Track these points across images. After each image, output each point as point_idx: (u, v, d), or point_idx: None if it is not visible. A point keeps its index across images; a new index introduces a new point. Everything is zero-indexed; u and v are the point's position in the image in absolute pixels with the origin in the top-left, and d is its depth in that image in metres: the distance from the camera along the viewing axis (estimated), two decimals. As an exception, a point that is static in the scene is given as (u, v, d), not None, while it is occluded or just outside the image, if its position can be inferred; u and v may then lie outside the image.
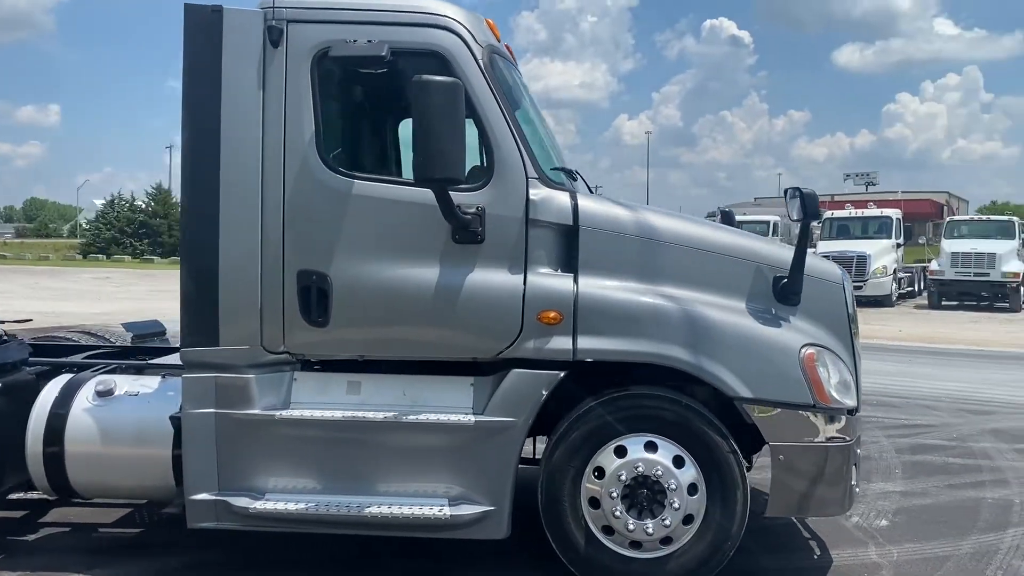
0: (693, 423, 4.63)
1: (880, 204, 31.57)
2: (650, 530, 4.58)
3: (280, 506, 4.65)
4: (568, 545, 4.69)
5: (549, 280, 4.67)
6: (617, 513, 4.60)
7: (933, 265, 27.47)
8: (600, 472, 4.64)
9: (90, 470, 4.91)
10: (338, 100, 4.98)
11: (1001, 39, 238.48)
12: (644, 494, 4.60)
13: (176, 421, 4.80)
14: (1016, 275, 25.75)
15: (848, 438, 4.75)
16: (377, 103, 5.42)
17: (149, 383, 5.11)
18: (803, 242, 4.82)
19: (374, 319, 4.74)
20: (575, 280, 4.67)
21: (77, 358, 5.86)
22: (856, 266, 24.99)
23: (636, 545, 4.65)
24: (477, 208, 4.61)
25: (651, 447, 4.63)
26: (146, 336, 6.87)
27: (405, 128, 5.23)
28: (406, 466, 4.74)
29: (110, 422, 4.92)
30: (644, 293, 4.69)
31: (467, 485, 4.69)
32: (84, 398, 4.99)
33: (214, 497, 4.73)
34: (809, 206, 4.68)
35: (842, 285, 5.05)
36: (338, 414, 4.71)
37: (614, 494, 4.60)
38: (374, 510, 4.63)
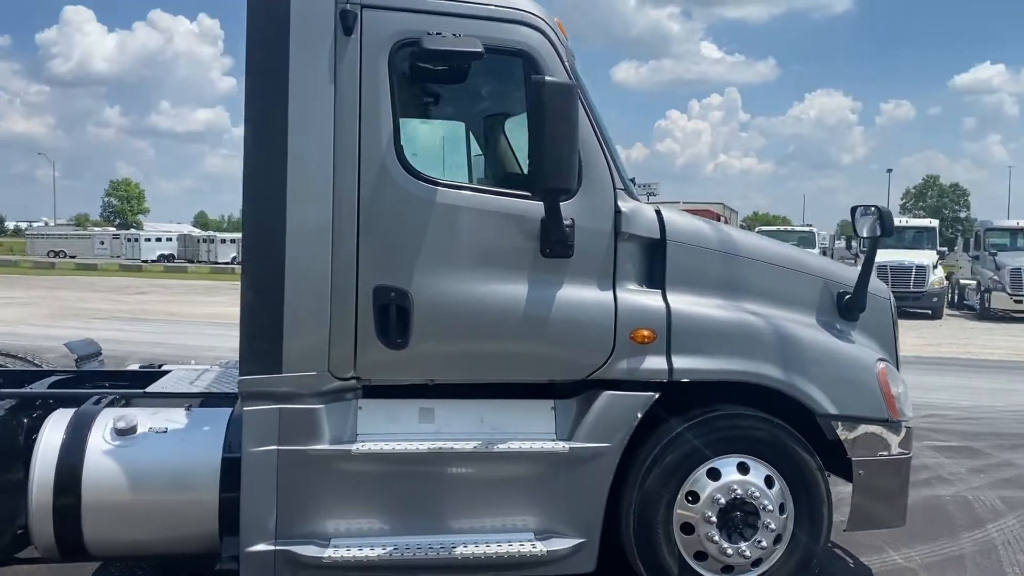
0: (784, 442, 4.57)
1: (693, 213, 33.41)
2: (747, 553, 4.47)
3: (357, 553, 4.13)
4: (661, 575, 4.48)
5: (639, 297, 4.46)
6: (714, 538, 4.45)
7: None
8: (694, 497, 4.47)
9: (113, 523, 4.12)
10: (417, 97, 4.51)
11: (756, 65, 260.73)
12: (738, 517, 4.49)
13: (230, 461, 4.15)
14: (818, 280, 28.08)
15: (909, 451, 4.87)
16: (458, 103, 4.96)
17: (175, 417, 4.37)
18: (871, 259, 4.90)
19: (458, 339, 4.32)
20: (663, 296, 4.49)
21: (39, 388, 4.93)
22: None
23: (728, 569, 4.52)
24: (570, 220, 4.31)
25: (743, 468, 4.52)
26: (88, 357, 5.95)
27: (486, 130, 4.85)
28: (489, 499, 4.37)
29: (139, 465, 4.15)
30: (731, 309, 4.58)
31: (554, 516, 4.38)
32: (100, 438, 4.18)
33: (273, 548, 4.13)
34: (887, 224, 4.76)
35: (890, 300, 5.19)
36: (423, 446, 4.25)
37: (711, 519, 4.44)
38: (463, 550, 4.21)
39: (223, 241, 65.85)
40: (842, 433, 4.65)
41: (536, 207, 4.29)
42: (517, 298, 4.31)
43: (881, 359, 4.82)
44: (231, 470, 4.16)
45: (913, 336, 20.99)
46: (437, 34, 4.14)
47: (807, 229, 32.12)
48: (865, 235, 4.88)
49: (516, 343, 4.36)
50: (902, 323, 5.37)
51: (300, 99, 4.08)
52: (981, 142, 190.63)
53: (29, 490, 4.05)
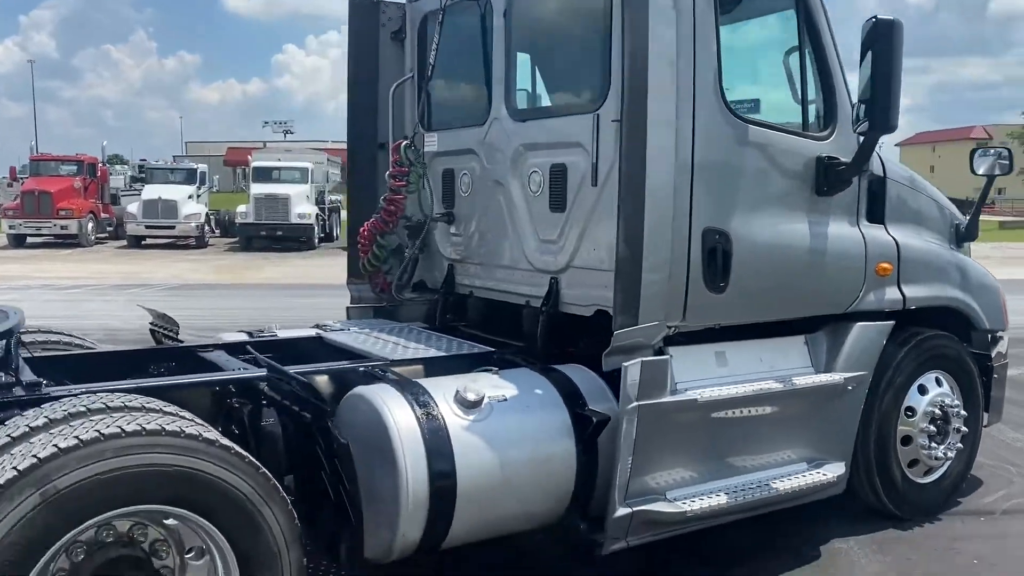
0: (964, 357, 5.20)
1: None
2: (948, 455, 5.06)
3: (708, 502, 4.06)
4: (892, 486, 4.91)
5: (874, 231, 4.77)
6: (928, 446, 4.97)
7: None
8: (912, 411, 4.94)
9: (483, 506, 3.54)
10: (730, 28, 4.29)
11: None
12: (940, 425, 5.04)
13: (581, 422, 3.79)
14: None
15: (1007, 357, 5.77)
16: (741, 37, 4.72)
17: (495, 383, 3.83)
18: (985, 195, 5.64)
19: (762, 280, 4.32)
20: (887, 231, 4.83)
21: (254, 368, 4.00)
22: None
23: (928, 471, 5.08)
24: (835, 158, 4.46)
25: (938, 382, 5.08)
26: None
27: (759, 65, 4.72)
28: (779, 433, 4.49)
29: (502, 439, 3.59)
30: (924, 241, 5.06)
31: (821, 445, 4.62)
32: (451, 413, 3.56)
33: (630, 510, 3.89)
34: (1011, 163, 5.49)
35: (968, 230, 6.00)
36: (748, 388, 4.22)
37: (927, 429, 4.95)
38: (779, 485, 4.31)
39: None
40: (989, 343, 5.40)
41: (813, 145, 4.40)
42: (803, 236, 4.41)
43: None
44: (583, 432, 3.82)
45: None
46: (751, -36, 4.03)
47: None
48: (982, 173, 5.59)
49: (804, 280, 4.47)
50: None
51: (656, 35, 3.77)
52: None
53: (401, 484, 3.34)
